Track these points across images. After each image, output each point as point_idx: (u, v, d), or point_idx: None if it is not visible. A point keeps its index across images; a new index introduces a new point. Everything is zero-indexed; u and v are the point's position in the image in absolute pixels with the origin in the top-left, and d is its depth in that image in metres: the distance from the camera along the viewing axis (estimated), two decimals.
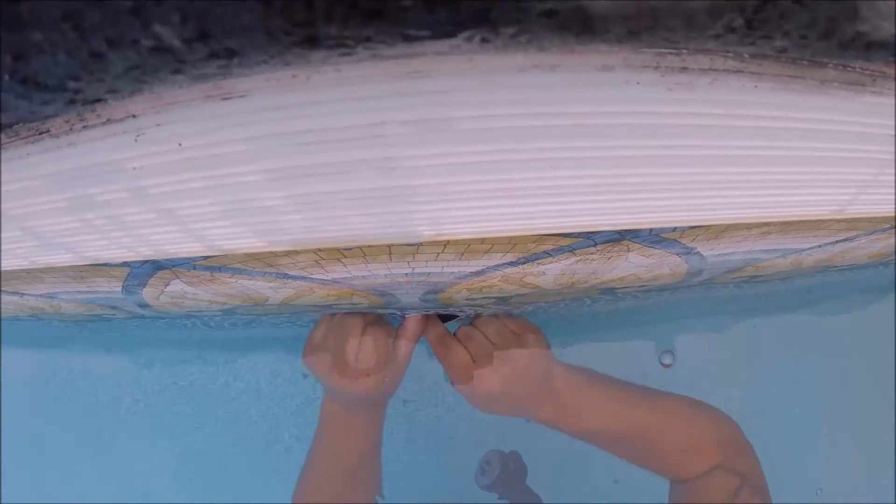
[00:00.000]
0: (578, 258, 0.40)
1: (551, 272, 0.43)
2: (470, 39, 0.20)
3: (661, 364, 0.87)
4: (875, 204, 0.35)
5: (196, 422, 0.86)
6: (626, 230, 0.35)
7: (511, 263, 0.40)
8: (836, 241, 0.45)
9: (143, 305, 0.51)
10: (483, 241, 0.34)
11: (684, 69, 0.25)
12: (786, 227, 0.38)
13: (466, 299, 0.53)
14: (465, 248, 0.35)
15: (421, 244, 0.34)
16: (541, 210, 0.31)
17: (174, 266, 0.38)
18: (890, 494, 0.75)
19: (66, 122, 0.26)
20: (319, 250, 0.34)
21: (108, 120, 0.26)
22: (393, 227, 0.31)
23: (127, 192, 0.29)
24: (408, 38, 0.20)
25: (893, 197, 0.34)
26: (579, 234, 0.35)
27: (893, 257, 0.57)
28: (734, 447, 0.63)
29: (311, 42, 0.20)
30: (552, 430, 0.63)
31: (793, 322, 0.83)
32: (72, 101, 0.23)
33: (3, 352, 0.86)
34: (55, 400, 0.90)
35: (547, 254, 0.38)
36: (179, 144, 0.26)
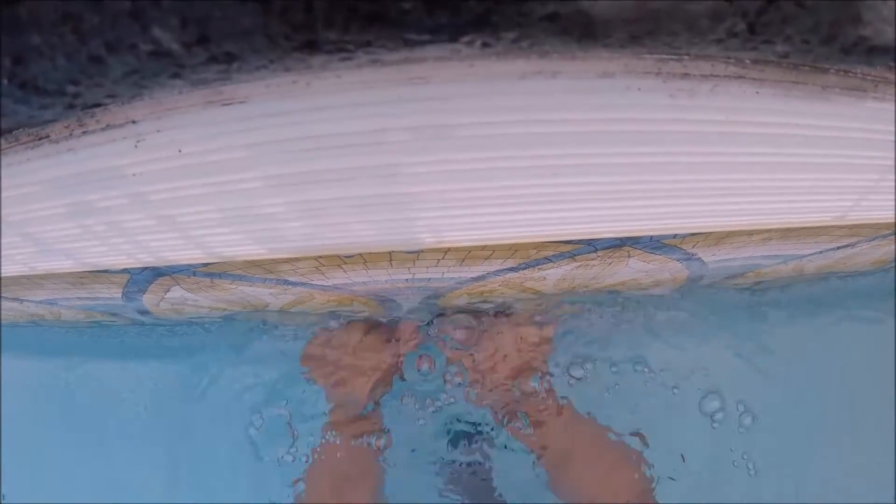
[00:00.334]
0: (579, 263, 0.40)
1: (552, 277, 0.43)
2: (471, 44, 0.20)
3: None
4: (876, 210, 0.35)
5: (194, 428, 0.86)
6: (626, 237, 0.35)
7: (512, 269, 0.40)
8: (838, 248, 0.45)
9: (144, 312, 0.51)
10: (484, 247, 0.34)
11: (685, 75, 0.25)
12: (787, 233, 0.37)
13: (467, 304, 0.53)
14: (466, 254, 0.35)
15: (422, 251, 0.34)
16: (542, 217, 0.30)
17: (174, 272, 0.38)
18: (890, 494, 0.75)
19: (66, 127, 0.26)
20: (320, 257, 0.34)
21: (108, 125, 0.26)
22: (393, 235, 0.31)
23: (127, 198, 0.29)
24: (408, 43, 0.20)
25: (894, 203, 0.34)
26: (580, 241, 0.34)
27: (894, 263, 0.57)
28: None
29: (312, 46, 0.20)
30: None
31: (793, 324, 0.83)
32: (71, 106, 0.23)
33: (2, 358, 0.86)
34: (54, 407, 0.90)
35: (548, 259, 0.38)
36: (179, 150, 0.26)
